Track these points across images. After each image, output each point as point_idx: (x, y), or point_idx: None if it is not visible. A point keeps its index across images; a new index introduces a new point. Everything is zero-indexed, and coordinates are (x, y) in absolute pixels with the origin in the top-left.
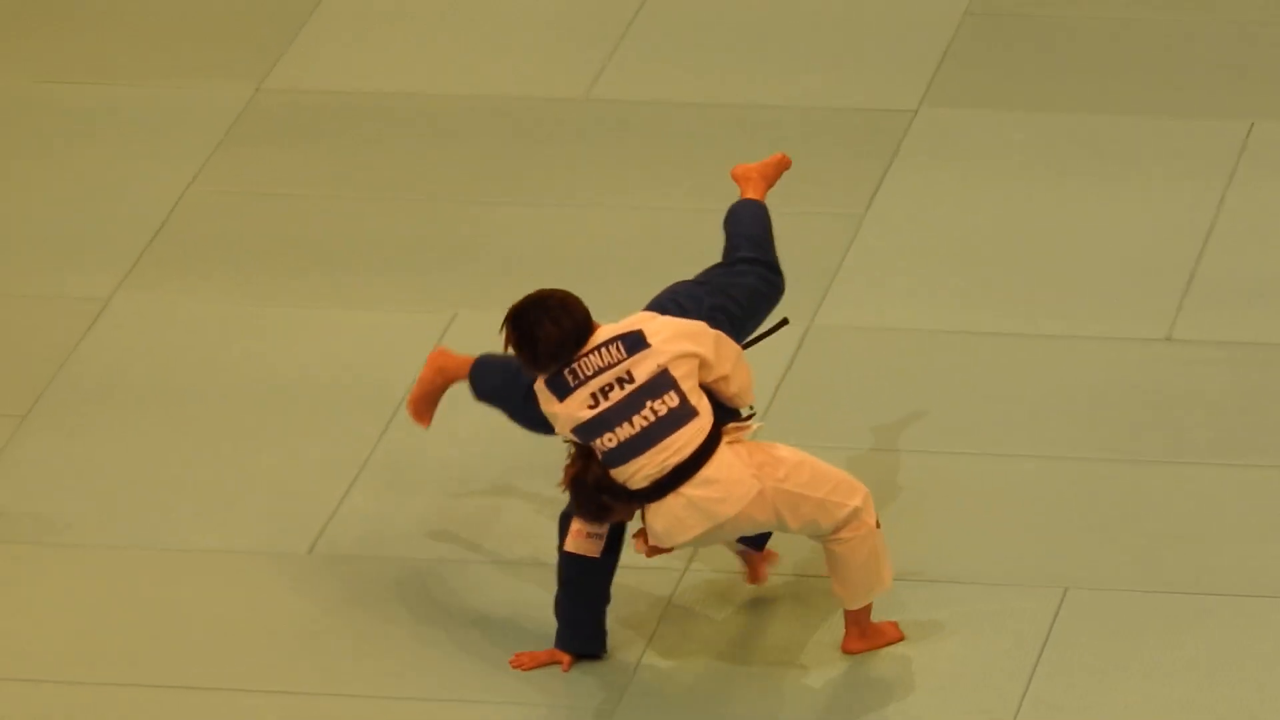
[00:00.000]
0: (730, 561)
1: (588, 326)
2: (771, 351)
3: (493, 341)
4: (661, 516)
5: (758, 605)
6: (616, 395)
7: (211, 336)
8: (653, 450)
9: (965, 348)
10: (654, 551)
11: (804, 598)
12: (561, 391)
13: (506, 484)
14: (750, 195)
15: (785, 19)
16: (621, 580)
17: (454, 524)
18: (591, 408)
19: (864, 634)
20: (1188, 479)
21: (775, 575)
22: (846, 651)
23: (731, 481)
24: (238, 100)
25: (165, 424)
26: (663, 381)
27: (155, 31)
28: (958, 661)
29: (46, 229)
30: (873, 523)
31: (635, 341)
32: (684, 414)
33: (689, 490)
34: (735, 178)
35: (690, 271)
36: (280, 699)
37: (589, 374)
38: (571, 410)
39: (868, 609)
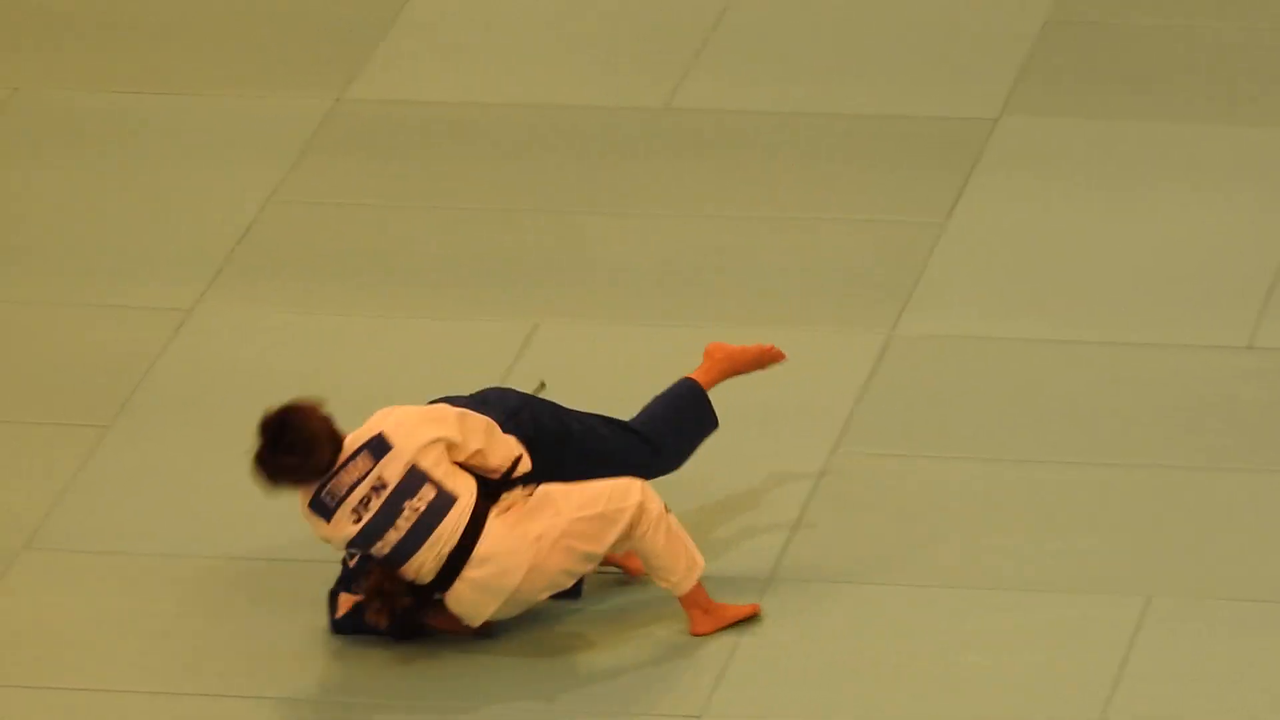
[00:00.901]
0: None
1: (332, 448)
2: (852, 362)
3: (572, 352)
4: (457, 603)
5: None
6: (375, 504)
7: (293, 347)
8: (425, 547)
9: (1046, 356)
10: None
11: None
12: (325, 513)
13: None
14: (697, 375)
15: (866, 28)
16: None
17: None
18: (356, 522)
19: (708, 613)
20: (1271, 487)
21: None
22: (697, 634)
23: (505, 553)
24: (318, 111)
25: (247, 434)
26: (415, 478)
27: (237, 43)
28: (1040, 671)
29: (130, 239)
30: (658, 508)
31: (379, 446)
32: (443, 504)
33: (469, 573)
34: (705, 353)
35: (762, 280)
36: (388, 709)
37: (344, 492)
38: (340, 529)
39: (699, 590)
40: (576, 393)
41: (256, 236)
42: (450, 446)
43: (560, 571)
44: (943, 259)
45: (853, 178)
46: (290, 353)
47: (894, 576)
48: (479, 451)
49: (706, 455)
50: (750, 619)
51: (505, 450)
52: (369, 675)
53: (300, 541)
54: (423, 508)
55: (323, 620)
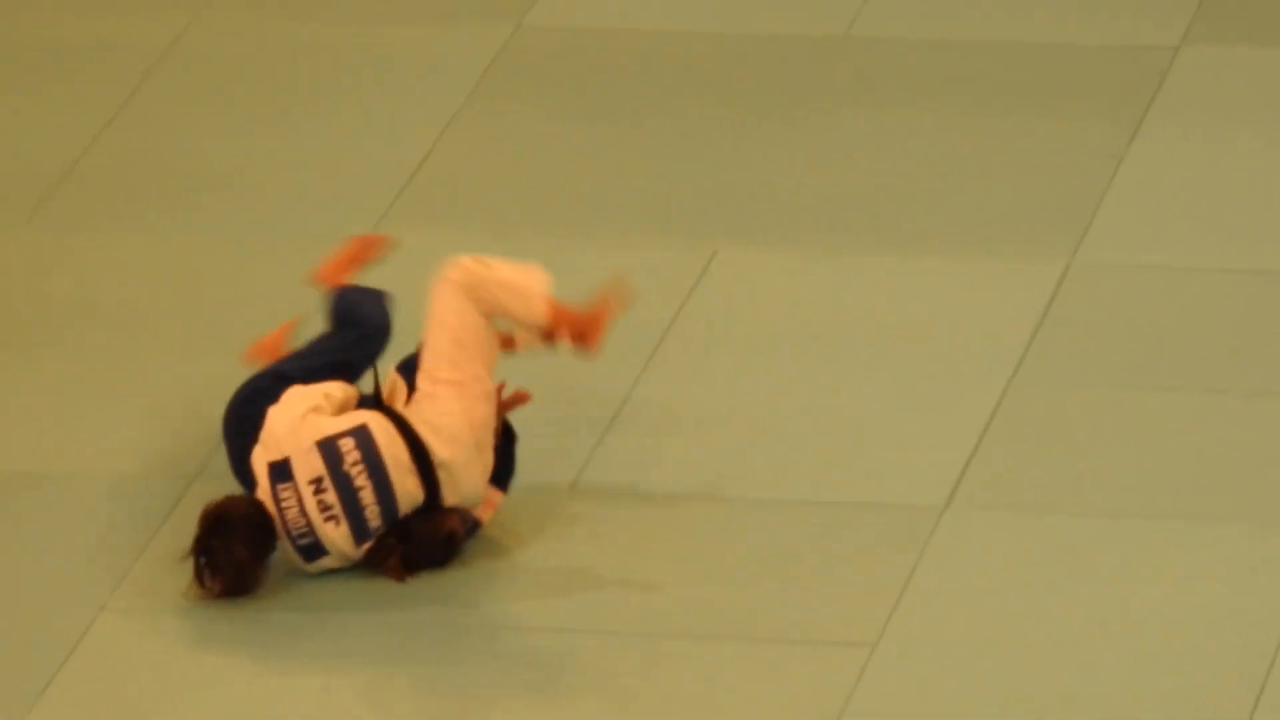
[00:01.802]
0: None
1: (269, 530)
2: (1028, 291)
3: (750, 280)
4: (455, 492)
5: None
6: (332, 497)
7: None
8: (393, 476)
9: (1228, 286)
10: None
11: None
12: (316, 552)
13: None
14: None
15: None
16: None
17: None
18: (339, 523)
19: (577, 322)
20: None
21: None
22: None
23: (441, 415)
24: (496, 40)
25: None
26: (328, 449)
27: None
28: (1220, 605)
29: (306, 171)
30: (464, 267)
31: (281, 470)
32: (365, 438)
33: (439, 456)
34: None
35: (938, 210)
36: None
37: (304, 522)
38: (338, 543)
39: (559, 309)
40: (753, 322)
41: (433, 167)
42: (317, 408)
43: (480, 380)
44: (1122, 188)
45: (1031, 106)
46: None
47: (1073, 507)
48: (326, 394)
49: (882, 386)
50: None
51: (340, 395)
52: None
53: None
54: (358, 455)
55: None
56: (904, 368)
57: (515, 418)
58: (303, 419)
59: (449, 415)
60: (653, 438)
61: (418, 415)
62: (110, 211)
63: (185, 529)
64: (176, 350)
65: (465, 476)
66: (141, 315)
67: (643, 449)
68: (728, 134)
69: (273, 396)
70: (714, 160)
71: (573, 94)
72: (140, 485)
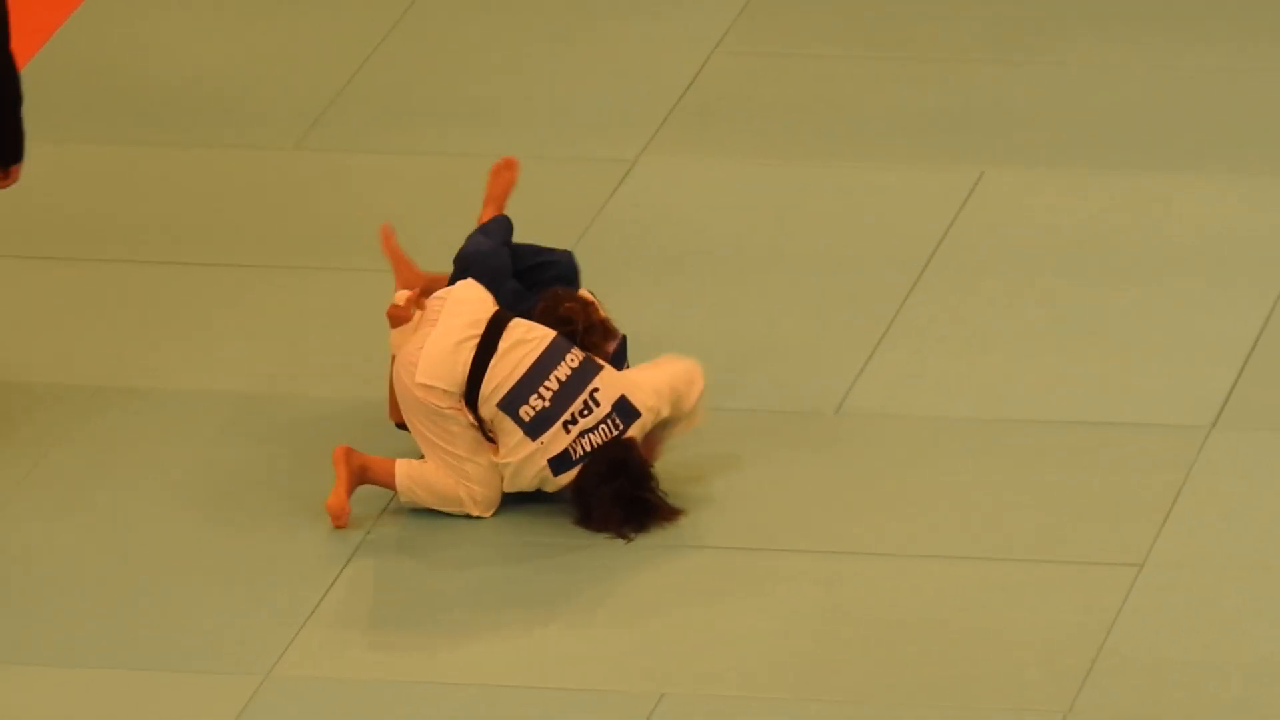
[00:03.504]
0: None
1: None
2: None
3: (1018, 200)
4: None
5: None
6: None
7: (735, 197)
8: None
9: None
10: None
11: None
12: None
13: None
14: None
15: None
16: None
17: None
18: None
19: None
20: None
21: None
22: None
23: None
24: None
25: (691, 284)
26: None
27: None
28: None
29: (575, 95)
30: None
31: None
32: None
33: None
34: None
35: (1212, 126)
36: None
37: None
38: (553, 443)
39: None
40: (1020, 242)
41: (701, 87)
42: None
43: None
44: None
45: None
46: (732, 203)
47: None
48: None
49: (1147, 305)
50: None
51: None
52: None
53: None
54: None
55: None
56: (1170, 287)
57: (779, 341)
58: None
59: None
60: (918, 358)
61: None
62: (379, 134)
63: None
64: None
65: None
66: (407, 234)
67: (909, 370)
68: (994, 54)
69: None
70: (983, 80)
71: (840, 14)
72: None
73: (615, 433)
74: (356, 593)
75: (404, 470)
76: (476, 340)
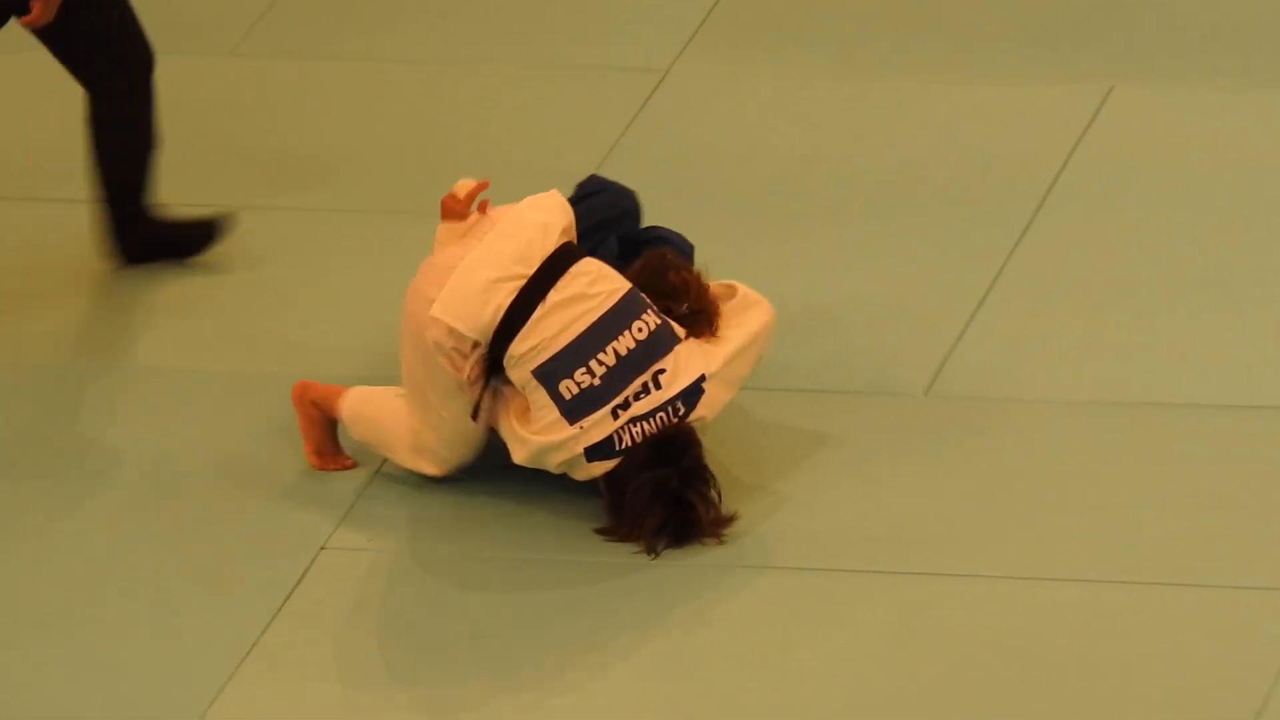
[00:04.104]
0: None
1: None
2: None
3: (1148, 118)
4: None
5: None
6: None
7: (793, 119)
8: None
9: None
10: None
11: None
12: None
13: None
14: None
15: None
16: None
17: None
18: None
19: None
20: None
21: None
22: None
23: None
24: None
25: (737, 225)
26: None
27: None
28: None
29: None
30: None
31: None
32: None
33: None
34: None
35: None
36: None
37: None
38: (594, 430)
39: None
40: (1150, 162)
41: None
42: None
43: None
44: None
45: None
46: (791, 126)
47: None
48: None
49: None
50: None
51: None
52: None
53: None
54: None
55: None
56: None
57: (849, 300)
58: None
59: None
60: (1029, 323)
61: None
62: (312, 39)
63: None
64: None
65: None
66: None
67: (1017, 339)
68: None
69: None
70: None
71: None
72: None
73: (673, 420)
74: (304, 625)
75: (350, 401)
76: (520, 284)
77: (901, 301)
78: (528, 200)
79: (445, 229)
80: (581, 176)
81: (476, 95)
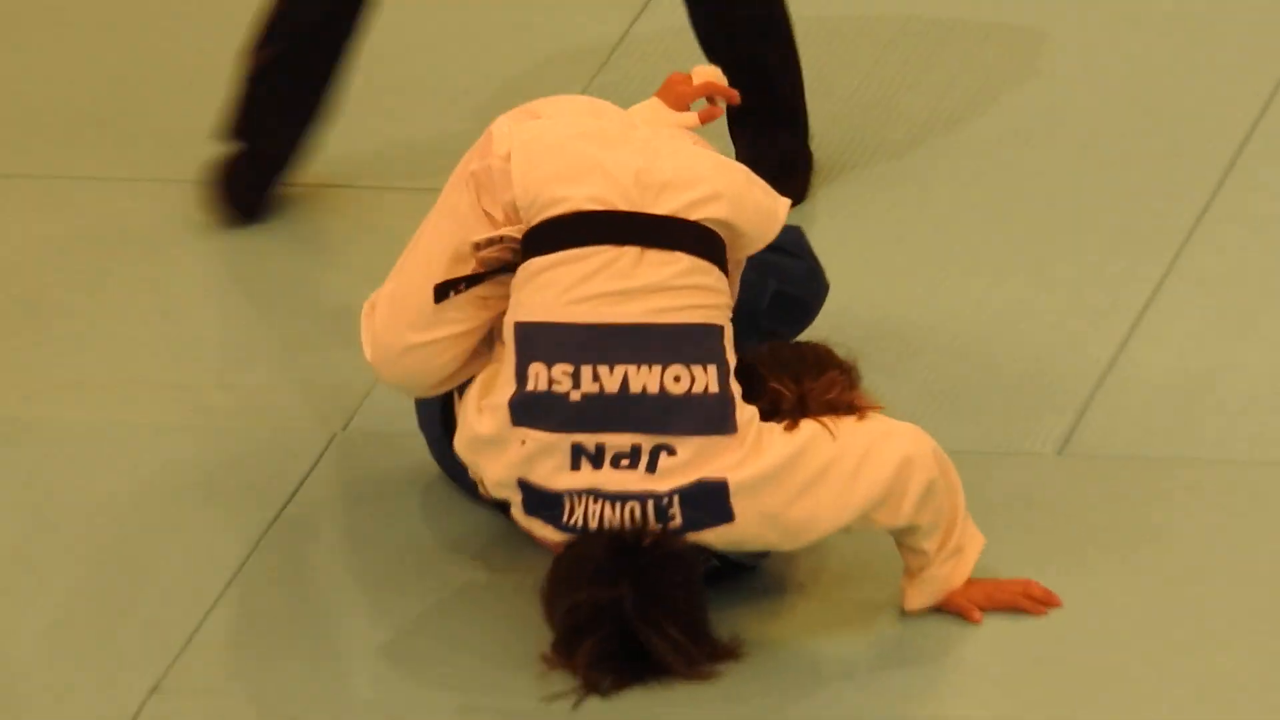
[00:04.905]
0: None
1: None
2: None
3: None
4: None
5: None
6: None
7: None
8: None
9: None
10: None
11: None
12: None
13: None
14: None
15: None
16: None
17: None
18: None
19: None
20: None
21: None
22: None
23: None
24: None
25: None
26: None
27: None
28: None
29: None
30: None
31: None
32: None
33: None
34: None
35: None
36: None
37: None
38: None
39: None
40: None
41: None
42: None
43: None
44: None
45: None
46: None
47: None
48: None
49: None
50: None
51: None
52: None
53: None
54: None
55: None
56: None
57: (952, 318)
58: None
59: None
60: (1196, 355)
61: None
62: None
63: None
64: None
65: None
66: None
67: (1179, 378)
68: None
69: None
70: None
71: None
72: None
73: (655, 526)
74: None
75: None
76: (611, 204)
77: (1018, 325)
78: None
79: (649, 106)
80: (577, 82)
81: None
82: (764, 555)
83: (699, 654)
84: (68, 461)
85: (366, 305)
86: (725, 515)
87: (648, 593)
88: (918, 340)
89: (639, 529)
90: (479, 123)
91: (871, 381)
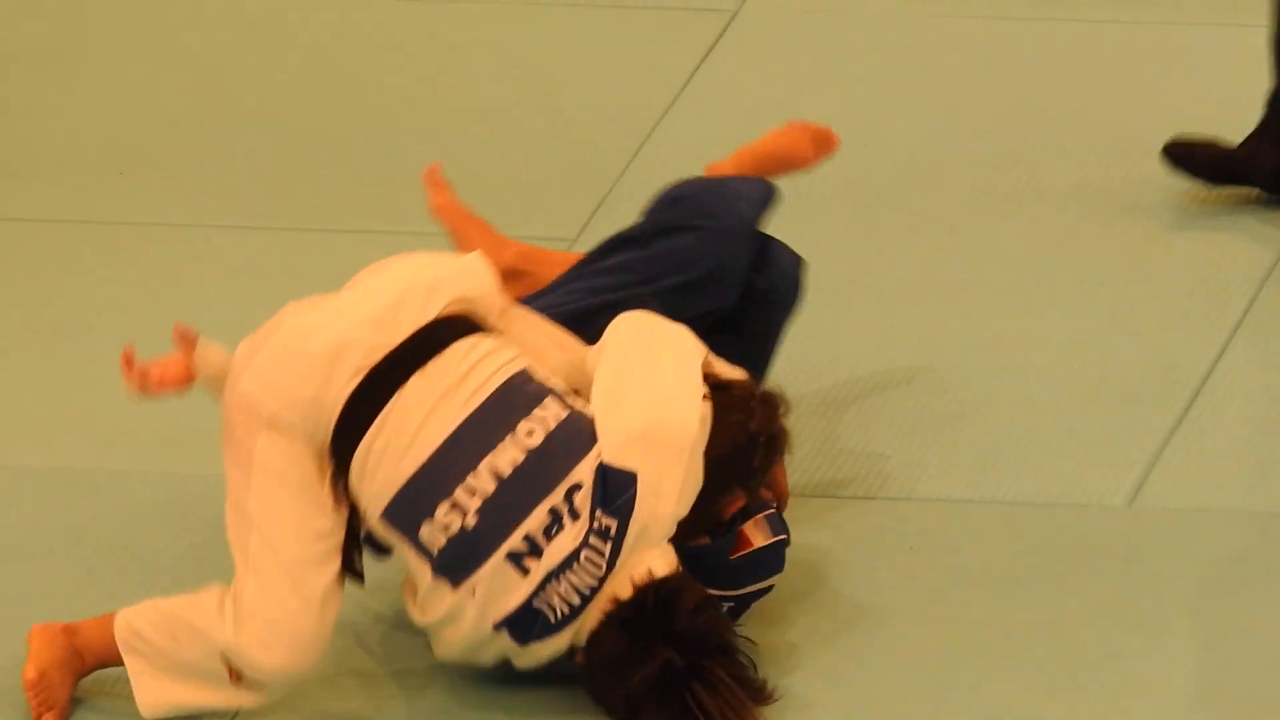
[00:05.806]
0: None
1: None
2: None
3: None
4: None
5: None
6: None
7: (862, 51)
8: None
9: None
10: None
11: None
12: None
13: None
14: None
15: None
16: None
17: None
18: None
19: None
20: None
21: None
22: None
23: None
24: None
25: (832, 218)
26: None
27: None
28: None
29: None
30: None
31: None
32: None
33: None
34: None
35: None
36: None
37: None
38: (496, 594)
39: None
40: None
41: None
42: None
43: None
44: None
45: None
46: (865, 59)
47: None
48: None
49: None
50: None
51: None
52: None
53: None
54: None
55: None
56: None
57: (1008, 357)
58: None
59: None
60: (1270, 396)
61: None
62: None
63: None
64: None
65: None
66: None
67: (1261, 425)
68: None
69: None
70: None
71: None
72: None
73: (603, 564)
74: None
75: (123, 622)
76: (376, 359)
77: (1082, 365)
78: (430, 255)
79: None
80: (643, 125)
81: (530, 32)
82: (768, 589)
83: (755, 674)
84: None
85: (225, 638)
86: (629, 481)
87: (681, 637)
88: (988, 390)
89: (634, 600)
90: None
91: (941, 431)
